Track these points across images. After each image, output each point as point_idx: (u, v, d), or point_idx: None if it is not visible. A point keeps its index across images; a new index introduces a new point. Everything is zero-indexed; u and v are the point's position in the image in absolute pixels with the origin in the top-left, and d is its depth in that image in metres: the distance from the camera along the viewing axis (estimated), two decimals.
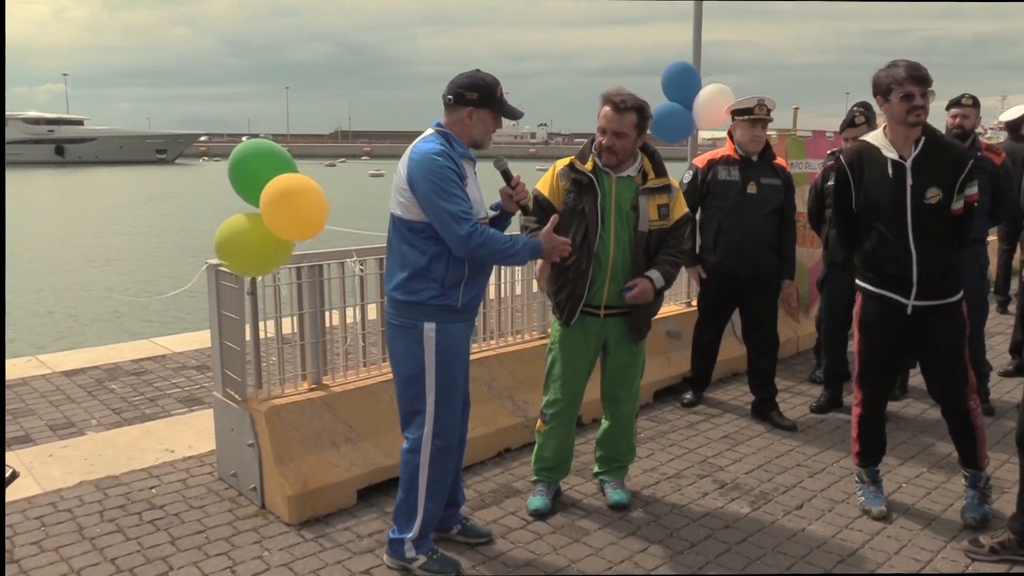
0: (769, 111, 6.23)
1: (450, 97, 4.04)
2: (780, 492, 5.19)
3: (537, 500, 4.93)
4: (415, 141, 4.07)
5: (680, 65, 7.38)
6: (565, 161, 4.80)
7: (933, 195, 4.51)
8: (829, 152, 6.76)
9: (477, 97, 4.01)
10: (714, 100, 7.05)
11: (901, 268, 4.60)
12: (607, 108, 4.61)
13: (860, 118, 6.45)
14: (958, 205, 4.59)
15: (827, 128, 8.74)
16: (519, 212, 4.35)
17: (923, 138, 4.54)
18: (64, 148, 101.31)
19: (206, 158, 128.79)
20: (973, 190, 4.63)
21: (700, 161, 6.50)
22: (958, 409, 4.75)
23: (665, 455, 5.75)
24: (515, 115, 4.20)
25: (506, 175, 4.20)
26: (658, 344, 7.09)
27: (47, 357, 8.10)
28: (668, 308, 7.46)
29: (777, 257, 6.35)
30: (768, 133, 8.27)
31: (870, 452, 5.03)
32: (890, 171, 4.57)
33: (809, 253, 8.29)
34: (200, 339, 8.57)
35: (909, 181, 4.53)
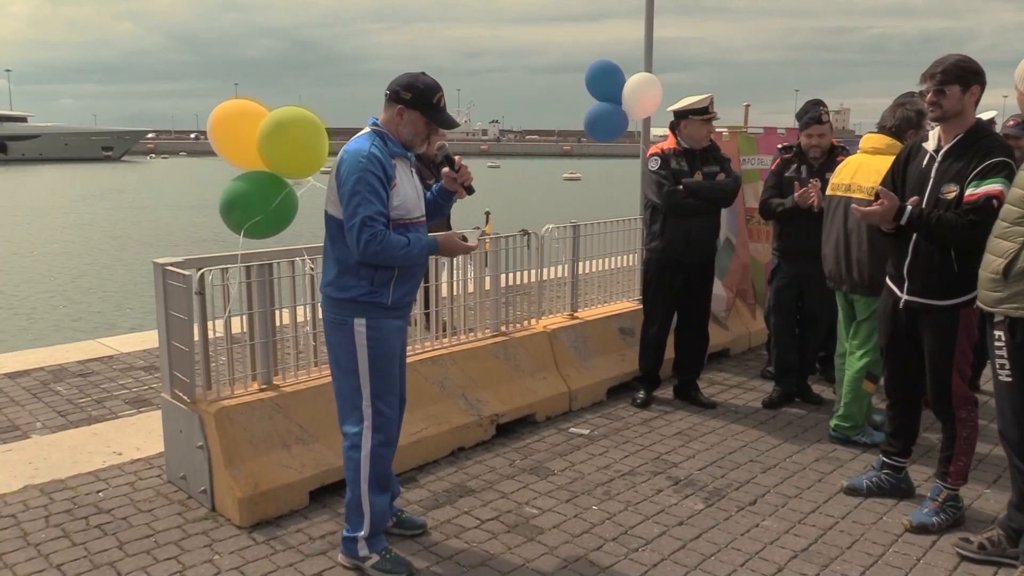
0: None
1: (387, 92, 4.07)
2: (734, 488, 5.22)
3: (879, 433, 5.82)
4: (351, 139, 4.10)
5: (602, 63, 7.37)
6: None
7: (949, 191, 4.40)
8: (780, 147, 6.80)
9: (410, 98, 4.01)
10: (643, 89, 7.12)
11: (900, 259, 4.63)
12: None
13: (826, 115, 6.50)
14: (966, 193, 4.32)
15: (778, 125, 8.82)
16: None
17: (962, 133, 4.42)
18: (7, 145, 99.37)
19: (153, 156, 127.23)
20: (984, 187, 4.25)
21: (657, 148, 6.55)
22: (939, 412, 4.71)
23: (619, 452, 5.75)
24: (447, 124, 4.18)
25: (448, 160, 4.33)
26: (611, 341, 7.10)
27: None
28: (621, 305, 7.47)
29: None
30: (719, 130, 8.35)
31: (890, 443, 5.08)
32: (924, 163, 4.58)
33: (764, 248, 8.34)
34: (148, 339, 8.44)
35: (933, 174, 4.50)
